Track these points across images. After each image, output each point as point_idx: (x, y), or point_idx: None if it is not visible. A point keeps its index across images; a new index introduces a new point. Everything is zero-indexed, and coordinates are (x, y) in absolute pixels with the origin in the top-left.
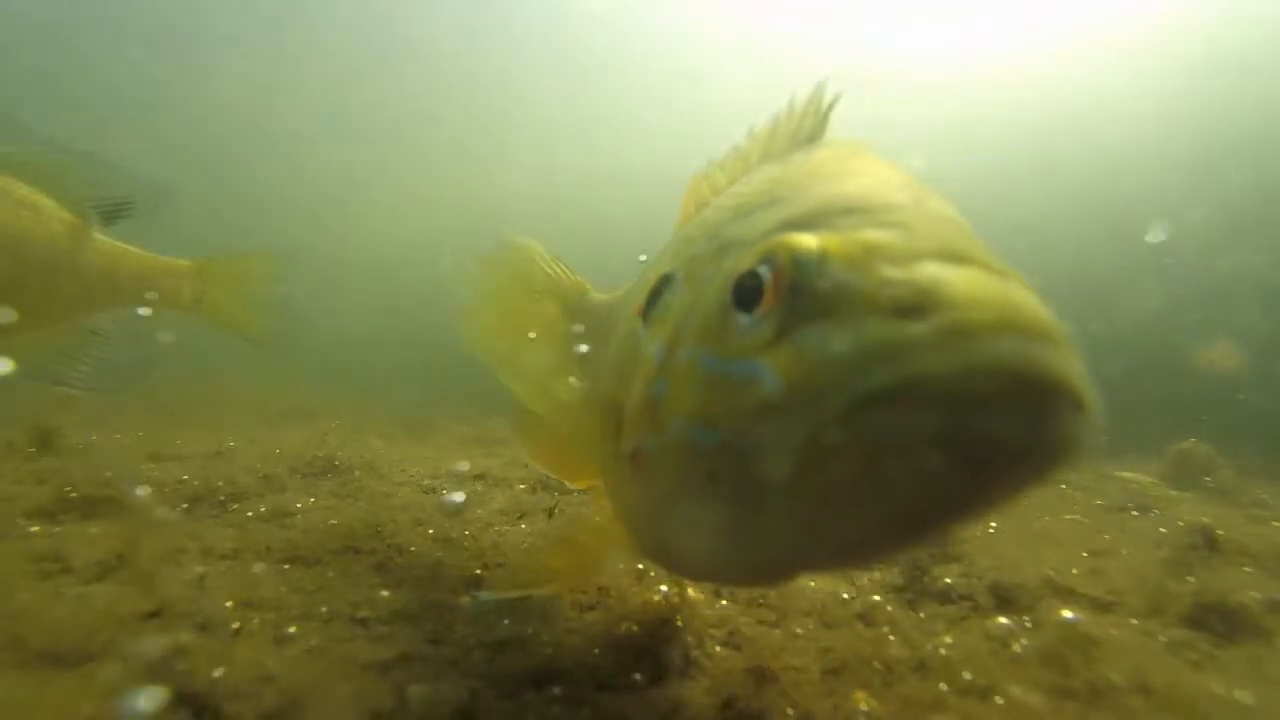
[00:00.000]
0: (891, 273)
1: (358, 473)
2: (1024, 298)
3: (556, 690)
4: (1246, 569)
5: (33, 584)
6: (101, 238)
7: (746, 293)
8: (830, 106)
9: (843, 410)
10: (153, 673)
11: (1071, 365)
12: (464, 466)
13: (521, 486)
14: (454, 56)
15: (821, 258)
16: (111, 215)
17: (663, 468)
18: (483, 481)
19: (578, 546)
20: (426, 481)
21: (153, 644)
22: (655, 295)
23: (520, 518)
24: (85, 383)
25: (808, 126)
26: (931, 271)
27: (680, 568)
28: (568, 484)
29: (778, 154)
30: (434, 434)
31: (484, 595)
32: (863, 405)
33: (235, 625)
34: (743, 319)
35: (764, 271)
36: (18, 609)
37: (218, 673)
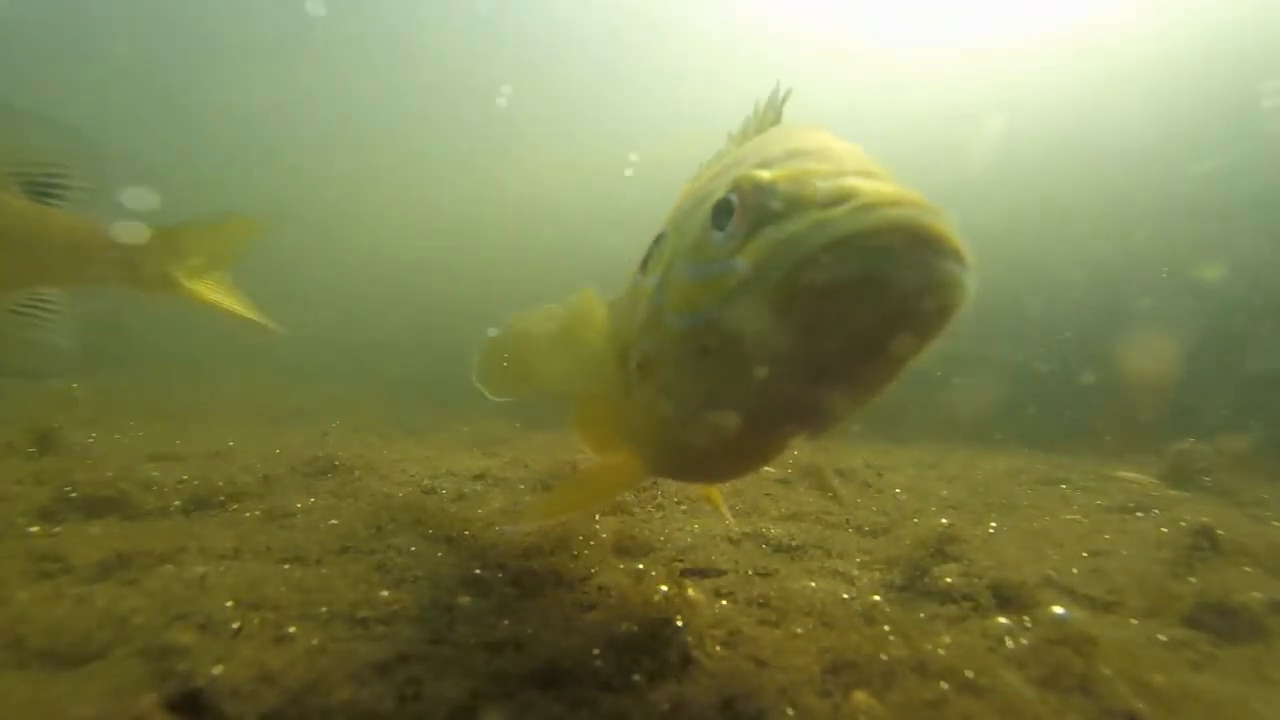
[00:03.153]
0: (821, 183)
1: (358, 473)
2: (917, 193)
3: (556, 690)
4: (1247, 569)
5: (33, 584)
6: (17, 200)
7: (720, 215)
8: (784, 98)
9: (790, 269)
10: (152, 672)
11: (951, 228)
12: (465, 466)
13: (522, 486)
14: (469, 58)
15: (773, 180)
16: (39, 183)
17: (666, 358)
18: (483, 481)
19: (591, 479)
20: (427, 482)
21: (153, 644)
22: (649, 252)
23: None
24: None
25: (769, 118)
26: (850, 180)
27: (686, 456)
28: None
29: (741, 142)
30: (434, 434)
31: (509, 528)
32: (804, 263)
33: (235, 625)
34: (717, 234)
35: (733, 197)
36: (18, 609)
37: (217, 672)
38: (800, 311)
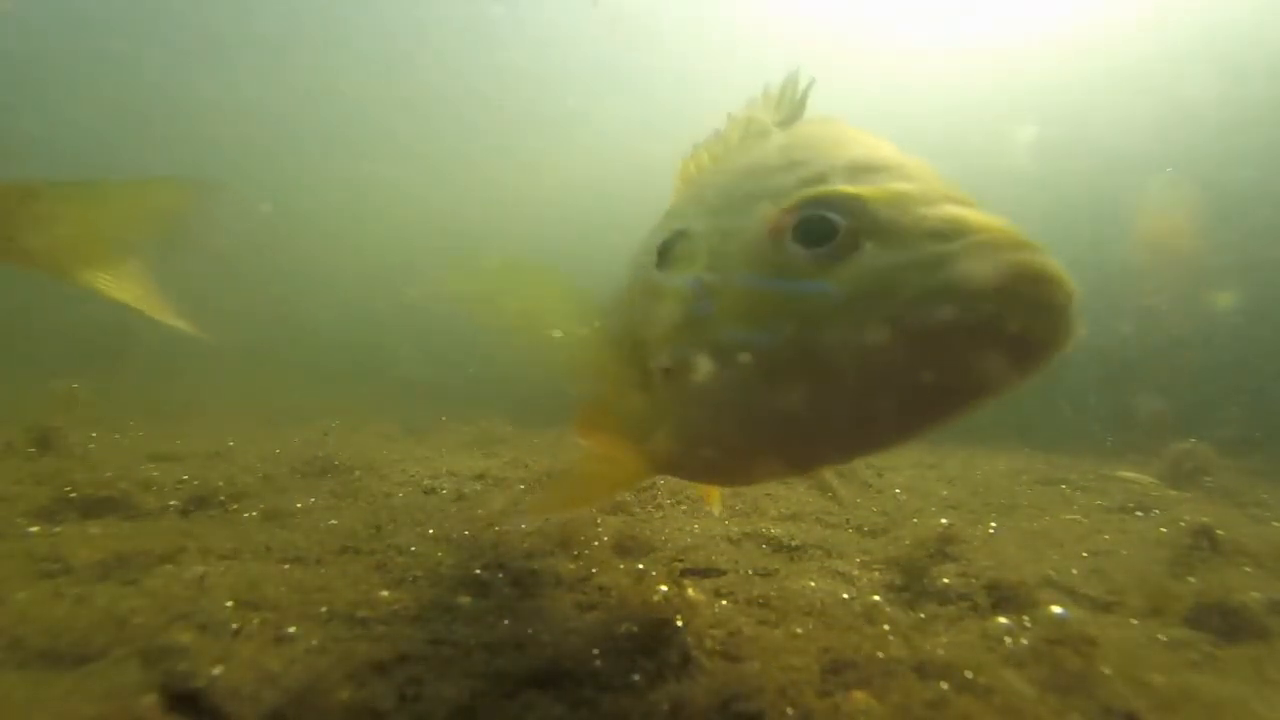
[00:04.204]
0: (924, 210)
1: (358, 472)
2: (1016, 226)
3: (556, 690)
4: (1247, 569)
5: (33, 584)
6: None
7: (807, 230)
8: (806, 90)
9: (905, 304)
10: (152, 673)
11: (1061, 266)
12: (465, 466)
13: (522, 486)
14: (473, 59)
15: (871, 202)
16: None
17: (715, 369)
18: (483, 481)
19: (592, 474)
20: (426, 481)
21: (152, 644)
22: (668, 248)
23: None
24: None
25: (785, 109)
26: (954, 210)
27: (717, 465)
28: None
29: (757, 133)
30: (434, 434)
31: (512, 524)
32: (921, 300)
33: (235, 625)
34: (798, 250)
35: (831, 215)
36: (18, 609)
37: (217, 672)
38: (904, 348)
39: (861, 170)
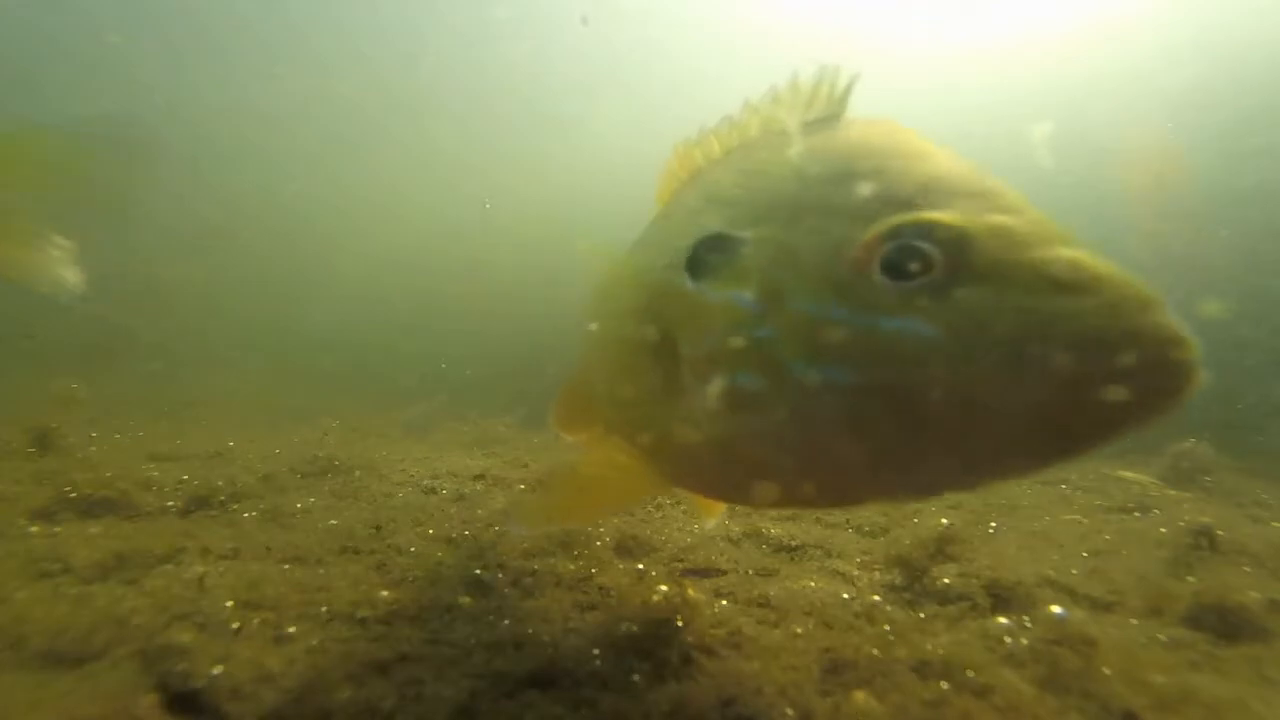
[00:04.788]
0: (1039, 254)
1: (358, 473)
2: (1136, 277)
3: (556, 690)
4: (1246, 569)
5: (33, 584)
6: None
7: (899, 260)
8: (849, 87)
9: (1032, 357)
10: (152, 673)
11: (1185, 327)
12: (465, 466)
13: (521, 486)
14: (474, 57)
15: (973, 235)
16: None
17: (782, 405)
18: (483, 481)
19: (600, 486)
20: (426, 481)
21: (152, 644)
22: (703, 253)
23: None
24: None
25: (820, 104)
26: (1067, 254)
27: (762, 494)
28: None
29: (784, 129)
30: (434, 434)
31: (518, 529)
32: (1055, 354)
33: (235, 625)
34: (885, 281)
35: (917, 244)
36: (18, 609)
37: (217, 672)
38: (1020, 402)
39: (948, 192)
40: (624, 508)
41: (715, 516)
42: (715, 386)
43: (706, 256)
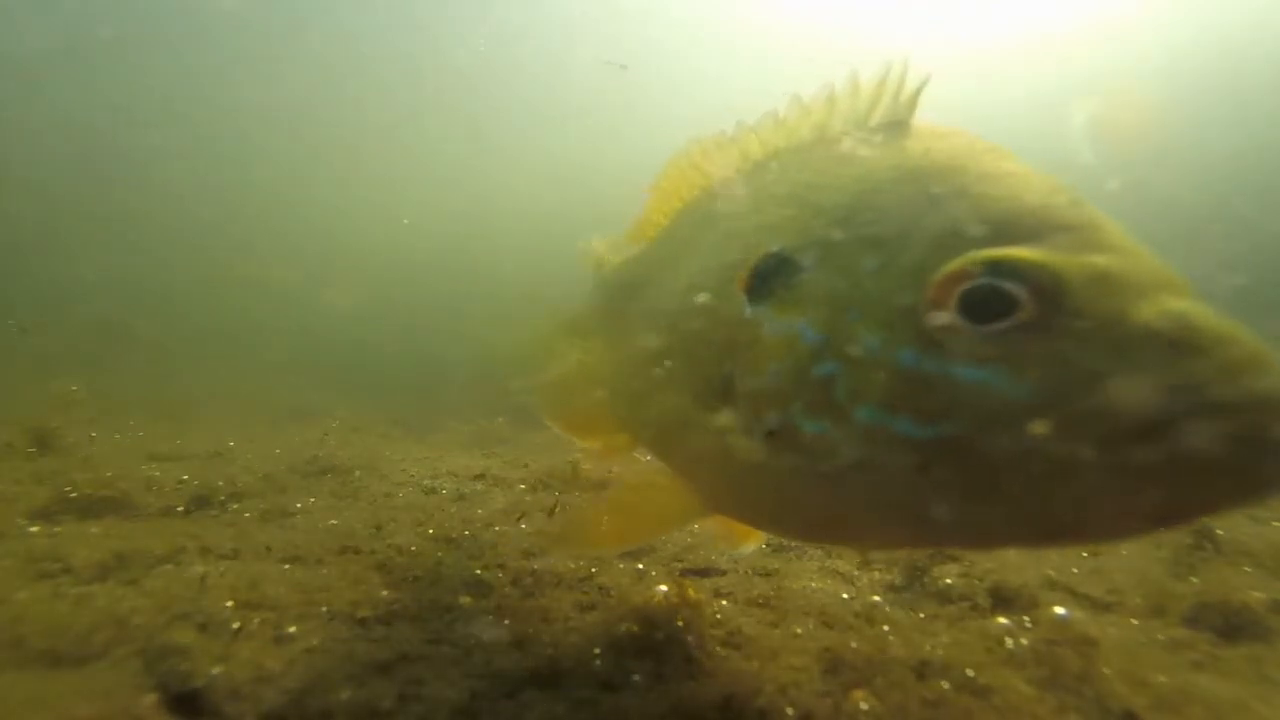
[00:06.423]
0: (1143, 306)
1: (358, 472)
2: (1244, 331)
3: (556, 690)
4: (1247, 569)
5: (33, 584)
6: None
7: (983, 303)
8: (918, 90)
9: (1144, 427)
10: (152, 672)
11: None
12: (465, 466)
13: (522, 486)
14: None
15: (1066, 278)
16: None
17: (844, 451)
18: (483, 481)
19: (644, 509)
20: (426, 481)
21: (153, 644)
22: (764, 273)
23: (520, 517)
24: None
25: (883, 108)
26: (1173, 304)
27: (817, 534)
28: (578, 441)
29: (846, 135)
30: (434, 434)
31: (559, 554)
32: (1171, 425)
33: (235, 625)
34: (964, 324)
35: (1000, 284)
36: (18, 609)
37: (217, 672)
38: (1113, 472)
39: (1039, 223)
40: (664, 533)
41: (754, 543)
42: (772, 423)
43: (766, 281)
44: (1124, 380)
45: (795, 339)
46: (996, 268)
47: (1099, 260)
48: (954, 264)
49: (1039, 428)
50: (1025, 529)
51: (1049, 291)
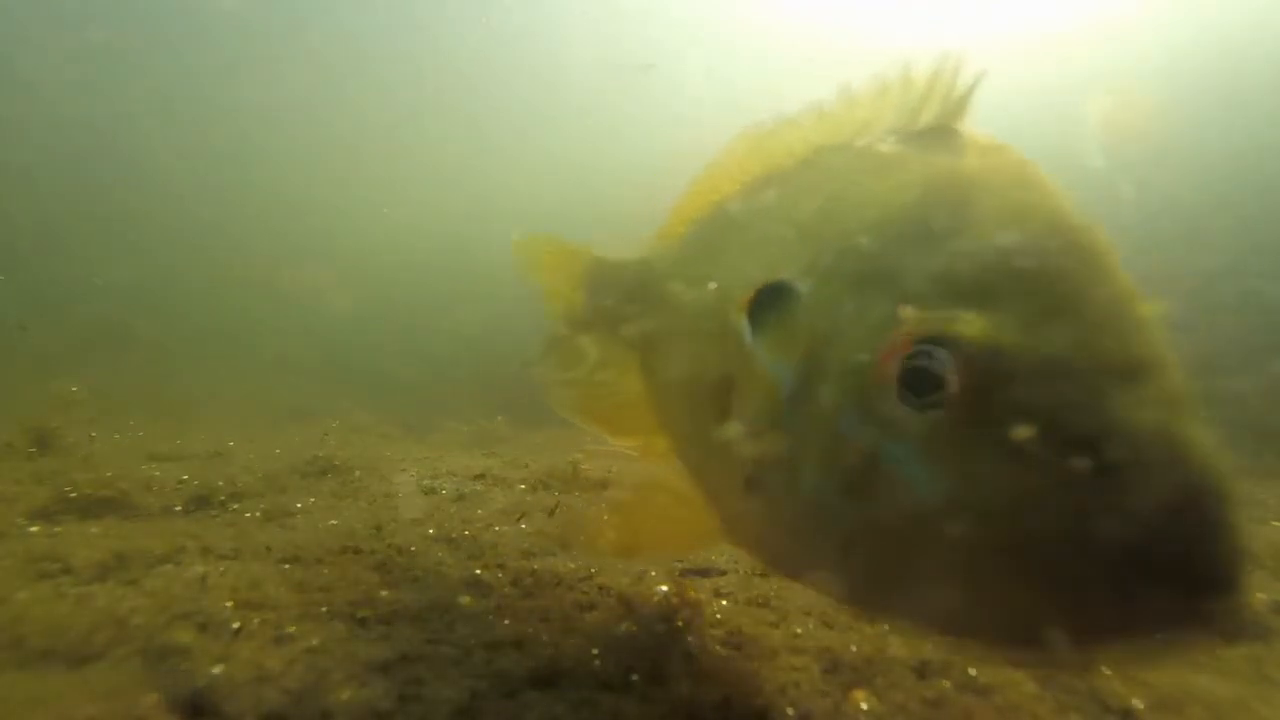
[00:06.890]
0: (1091, 401)
1: (358, 472)
2: (1202, 456)
3: (556, 690)
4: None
5: (33, 584)
6: None
7: (913, 370)
8: (971, 89)
9: (1041, 545)
10: (152, 672)
11: (1240, 547)
12: (465, 466)
13: (522, 486)
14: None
15: (1002, 358)
16: None
17: (791, 514)
18: (483, 481)
19: (670, 517)
20: (427, 481)
21: (153, 644)
22: (764, 300)
23: (520, 518)
24: None
25: (932, 107)
26: (1128, 412)
27: (796, 578)
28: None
29: (886, 130)
30: (434, 434)
31: (582, 555)
32: (1065, 549)
33: (235, 625)
34: (903, 393)
35: (936, 355)
36: (18, 609)
37: (217, 672)
38: (1003, 589)
39: (1021, 278)
40: (692, 548)
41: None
42: (745, 458)
43: (765, 310)
44: (1025, 489)
45: (773, 384)
46: (932, 339)
47: (1059, 336)
48: (897, 330)
49: (940, 527)
50: (936, 625)
51: (976, 370)
